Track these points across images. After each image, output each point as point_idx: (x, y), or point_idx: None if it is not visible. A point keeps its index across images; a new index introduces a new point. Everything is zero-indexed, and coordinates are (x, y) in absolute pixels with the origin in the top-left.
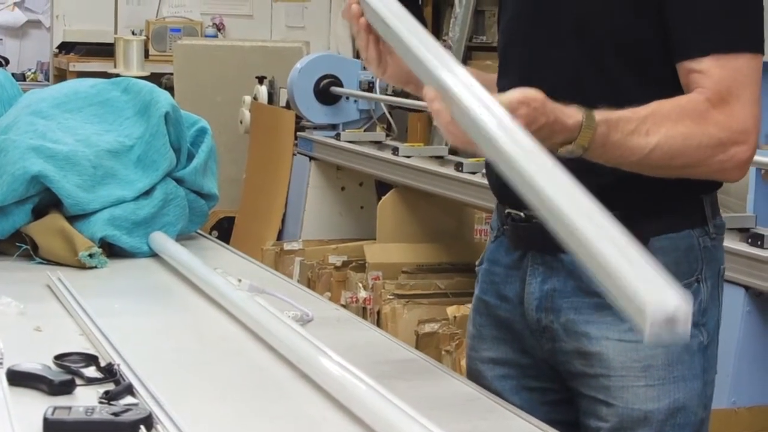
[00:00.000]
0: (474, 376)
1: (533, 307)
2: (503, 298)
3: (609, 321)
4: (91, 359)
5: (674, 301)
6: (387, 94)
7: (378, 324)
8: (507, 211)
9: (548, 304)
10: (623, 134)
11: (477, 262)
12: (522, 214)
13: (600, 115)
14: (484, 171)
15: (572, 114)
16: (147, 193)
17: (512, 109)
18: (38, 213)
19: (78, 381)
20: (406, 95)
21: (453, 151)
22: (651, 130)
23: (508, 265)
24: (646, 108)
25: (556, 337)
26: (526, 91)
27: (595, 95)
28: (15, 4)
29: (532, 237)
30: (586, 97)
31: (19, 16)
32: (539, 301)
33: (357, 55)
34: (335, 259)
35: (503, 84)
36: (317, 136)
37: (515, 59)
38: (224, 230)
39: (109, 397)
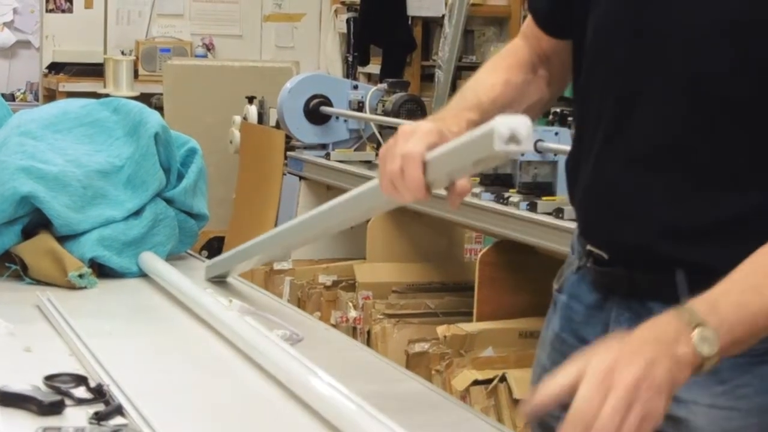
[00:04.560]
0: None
1: None
2: (582, 340)
3: (700, 382)
4: (80, 380)
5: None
6: (377, 114)
7: (368, 344)
8: (588, 248)
9: None
10: (738, 299)
11: (556, 287)
12: (605, 255)
13: (700, 304)
14: (474, 190)
15: (663, 319)
16: (137, 213)
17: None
18: (28, 233)
19: (68, 402)
20: (396, 115)
21: None
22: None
23: (589, 304)
24: (748, 265)
25: None
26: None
27: (702, 163)
28: (4, 24)
29: (616, 282)
30: (689, 165)
31: (8, 37)
32: None
33: (347, 75)
34: (325, 279)
35: (583, 112)
36: (307, 155)
37: (601, 104)
38: (214, 250)
39: (99, 418)
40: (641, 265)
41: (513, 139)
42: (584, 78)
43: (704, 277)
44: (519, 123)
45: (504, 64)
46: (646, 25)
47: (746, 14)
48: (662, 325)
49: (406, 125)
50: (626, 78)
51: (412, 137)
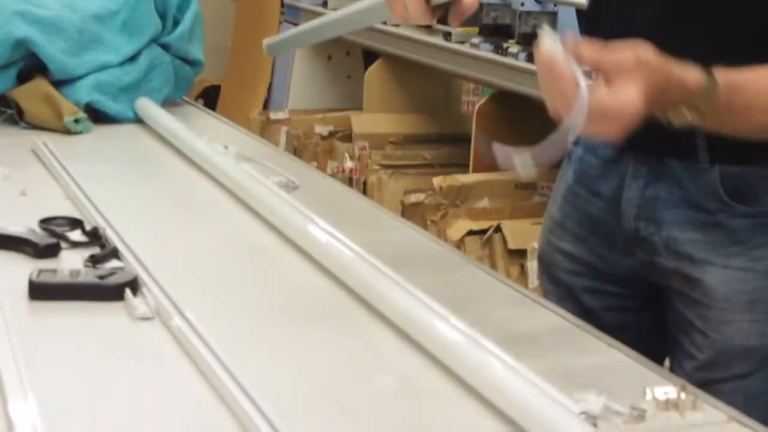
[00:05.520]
0: (546, 262)
1: (632, 213)
2: (596, 194)
3: (716, 242)
4: (76, 223)
5: None
6: None
7: (364, 194)
8: None
9: (649, 213)
10: (746, 101)
11: (571, 139)
12: None
13: (721, 76)
14: (473, 41)
15: (690, 72)
16: (132, 58)
17: (631, 74)
18: (23, 78)
19: (63, 245)
20: None
21: (441, 21)
22: None
23: (605, 158)
24: None
25: (655, 251)
26: (637, 48)
27: (724, 31)
28: None
29: (634, 138)
30: (708, 34)
31: None
32: (639, 209)
33: None
34: (321, 129)
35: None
36: (304, 4)
37: None
38: (210, 99)
39: (94, 261)
40: (660, 124)
41: None
42: None
43: (724, 138)
44: None
45: None
46: None
47: None
48: (687, 88)
49: None
50: None
51: None
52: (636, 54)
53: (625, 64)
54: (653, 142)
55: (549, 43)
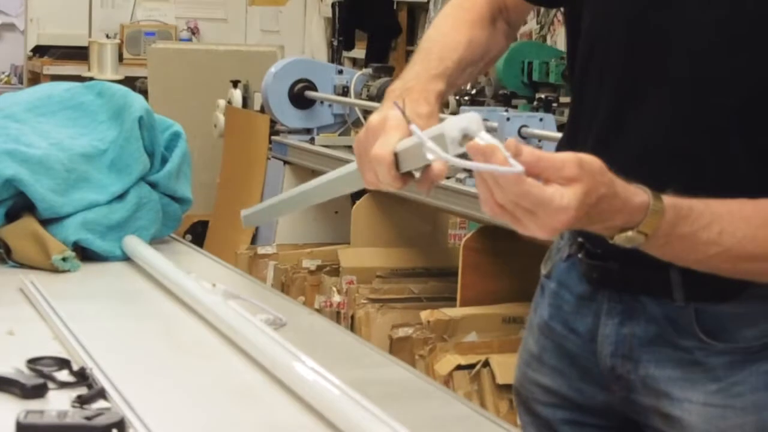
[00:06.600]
0: (523, 395)
1: (608, 351)
2: (572, 330)
3: (695, 379)
4: (63, 363)
5: (464, 120)
6: (362, 99)
7: (352, 328)
8: (579, 239)
9: (625, 351)
10: (692, 229)
11: (544, 272)
12: (598, 249)
13: (668, 200)
14: (458, 176)
15: (637, 192)
16: (120, 197)
17: (570, 178)
18: (11, 216)
19: (51, 385)
20: (381, 100)
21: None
22: (725, 230)
23: (580, 295)
24: (724, 204)
25: (632, 389)
26: (582, 155)
27: (700, 168)
28: None
29: (608, 276)
30: (686, 171)
31: None
32: (615, 347)
33: (332, 59)
34: (309, 264)
35: (578, 120)
36: (291, 140)
37: (596, 102)
38: (198, 234)
39: (81, 401)
40: (635, 261)
41: (466, 138)
42: (579, 73)
43: (699, 276)
44: (469, 121)
45: (466, 18)
46: (645, 25)
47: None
48: (632, 207)
49: (374, 116)
50: (623, 79)
51: (381, 135)
52: (579, 161)
53: (566, 169)
54: (627, 279)
55: (487, 138)
